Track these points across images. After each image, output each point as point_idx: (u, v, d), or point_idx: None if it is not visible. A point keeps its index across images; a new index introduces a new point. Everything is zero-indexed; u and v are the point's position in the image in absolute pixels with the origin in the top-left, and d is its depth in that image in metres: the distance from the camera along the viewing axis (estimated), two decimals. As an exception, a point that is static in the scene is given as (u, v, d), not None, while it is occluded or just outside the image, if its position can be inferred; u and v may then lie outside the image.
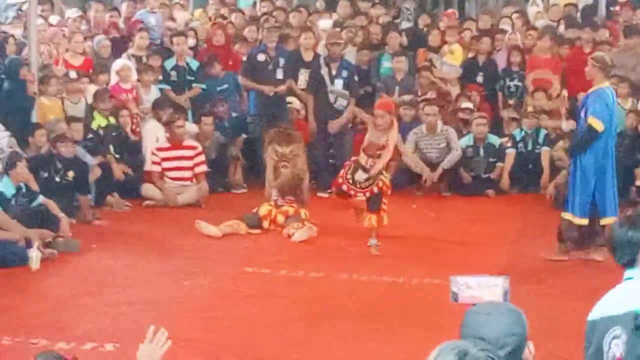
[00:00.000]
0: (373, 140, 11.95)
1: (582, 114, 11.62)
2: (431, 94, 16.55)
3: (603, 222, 11.46)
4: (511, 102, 16.80)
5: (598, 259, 11.50)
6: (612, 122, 11.61)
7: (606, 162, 11.60)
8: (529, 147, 15.61)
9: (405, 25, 19.09)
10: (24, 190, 12.38)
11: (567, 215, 11.74)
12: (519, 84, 16.91)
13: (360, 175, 11.93)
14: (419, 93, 16.71)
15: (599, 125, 11.37)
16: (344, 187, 12.15)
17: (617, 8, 18.92)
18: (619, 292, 4.53)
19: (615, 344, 4.35)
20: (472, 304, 4.22)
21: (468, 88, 16.76)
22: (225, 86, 16.48)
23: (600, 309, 4.53)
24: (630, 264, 4.13)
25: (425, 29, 18.52)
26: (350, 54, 16.59)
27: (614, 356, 4.34)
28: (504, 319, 3.78)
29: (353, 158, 12.44)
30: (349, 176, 12.08)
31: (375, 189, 11.94)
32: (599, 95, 11.54)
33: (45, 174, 13.36)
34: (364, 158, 11.95)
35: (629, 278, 4.16)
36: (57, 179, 13.41)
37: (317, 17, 19.12)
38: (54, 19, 18.50)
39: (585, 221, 11.62)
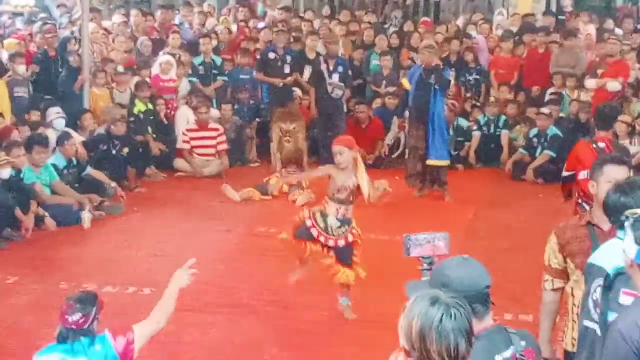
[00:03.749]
0: (341, 183, 8.22)
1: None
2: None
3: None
4: (469, 94, 16.79)
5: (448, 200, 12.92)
6: None
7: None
8: (492, 130, 15.65)
9: (392, 30, 19.09)
10: (74, 163, 12.49)
11: (431, 162, 12.82)
12: (478, 77, 16.93)
13: (333, 222, 8.27)
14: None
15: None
16: (314, 232, 8.30)
17: (566, 17, 18.90)
18: (612, 247, 4.34)
19: (598, 291, 4.34)
20: (421, 256, 4.22)
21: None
22: (248, 76, 16.50)
23: (596, 257, 4.44)
24: (621, 226, 4.02)
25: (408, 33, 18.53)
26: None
27: (596, 300, 4.33)
28: (471, 270, 3.79)
29: (319, 207, 8.51)
30: (319, 221, 8.30)
31: (350, 238, 8.31)
32: (446, 71, 12.89)
33: (105, 148, 13.56)
34: (334, 206, 8.27)
35: (620, 238, 4.03)
36: (114, 153, 13.62)
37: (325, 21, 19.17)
38: (107, 23, 18.69)
39: (447, 162, 13.01)
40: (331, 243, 8.25)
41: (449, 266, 3.78)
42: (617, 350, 3.75)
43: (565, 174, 8.45)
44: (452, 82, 13.35)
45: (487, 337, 3.71)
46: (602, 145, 8.23)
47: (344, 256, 8.26)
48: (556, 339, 5.79)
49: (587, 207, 7.97)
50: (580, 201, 8.20)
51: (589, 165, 7.63)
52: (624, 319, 3.82)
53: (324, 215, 8.29)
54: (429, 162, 12.81)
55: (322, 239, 8.26)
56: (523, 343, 3.78)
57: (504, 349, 3.73)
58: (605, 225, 4.96)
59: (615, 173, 5.15)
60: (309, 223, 8.30)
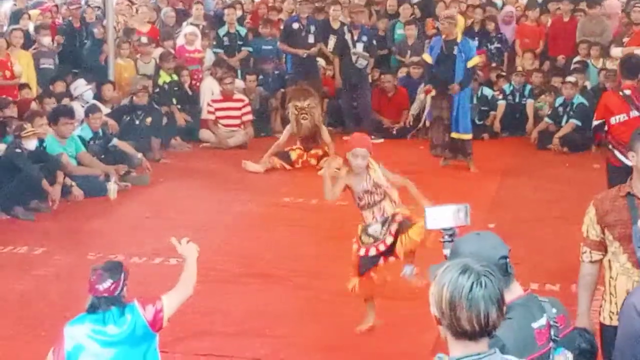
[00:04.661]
0: (358, 188, 7.29)
1: (461, 59, 12.52)
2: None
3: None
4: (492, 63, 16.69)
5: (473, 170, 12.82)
6: None
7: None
8: (517, 99, 15.55)
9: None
10: (101, 134, 12.50)
11: (455, 135, 12.77)
12: (499, 45, 16.84)
13: (374, 229, 7.35)
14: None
15: (476, 62, 13.08)
16: (372, 252, 7.34)
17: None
18: None
19: None
20: (442, 228, 4.22)
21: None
22: (271, 47, 16.47)
23: None
24: None
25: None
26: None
27: None
28: (483, 243, 3.77)
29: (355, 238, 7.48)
30: (366, 240, 7.37)
31: (399, 217, 7.29)
32: (468, 43, 12.98)
33: (128, 118, 13.55)
34: (369, 214, 7.34)
35: None
36: (137, 123, 13.63)
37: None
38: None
39: (469, 136, 12.88)
40: (389, 240, 7.29)
41: (461, 244, 3.80)
42: (631, 324, 3.74)
43: (595, 123, 8.74)
44: (477, 64, 13.27)
45: (522, 305, 3.74)
46: (628, 92, 8.48)
47: (403, 226, 7.28)
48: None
49: (617, 152, 8.16)
50: (610, 147, 8.45)
51: (617, 111, 8.31)
52: (638, 294, 3.81)
53: (365, 229, 7.39)
54: (453, 134, 12.74)
55: (381, 247, 7.31)
56: (554, 310, 3.79)
57: (539, 317, 3.75)
58: None
59: None
60: (362, 252, 7.37)
